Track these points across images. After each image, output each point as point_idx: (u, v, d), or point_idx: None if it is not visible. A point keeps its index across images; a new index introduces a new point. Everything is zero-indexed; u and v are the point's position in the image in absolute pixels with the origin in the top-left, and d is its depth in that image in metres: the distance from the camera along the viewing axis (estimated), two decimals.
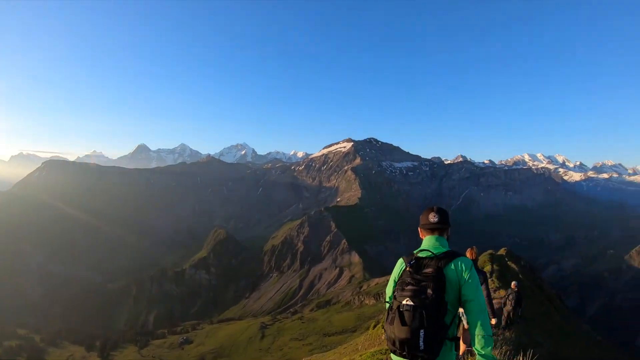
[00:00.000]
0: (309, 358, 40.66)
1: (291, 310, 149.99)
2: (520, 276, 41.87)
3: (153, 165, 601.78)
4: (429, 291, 3.88)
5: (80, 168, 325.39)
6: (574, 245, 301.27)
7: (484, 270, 31.65)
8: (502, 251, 57.41)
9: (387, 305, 4.40)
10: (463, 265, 4.22)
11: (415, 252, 4.48)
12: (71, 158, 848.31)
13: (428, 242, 4.54)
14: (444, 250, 4.37)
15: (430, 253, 4.29)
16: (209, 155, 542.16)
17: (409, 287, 3.96)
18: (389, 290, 4.52)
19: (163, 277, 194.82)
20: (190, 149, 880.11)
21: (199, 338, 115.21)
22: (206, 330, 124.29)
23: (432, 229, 4.59)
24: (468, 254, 11.23)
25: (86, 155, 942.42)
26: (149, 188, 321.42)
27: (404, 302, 3.87)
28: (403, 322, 3.76)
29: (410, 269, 4.15)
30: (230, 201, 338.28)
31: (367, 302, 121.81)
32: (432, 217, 4.56)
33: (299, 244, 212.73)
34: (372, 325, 41.71)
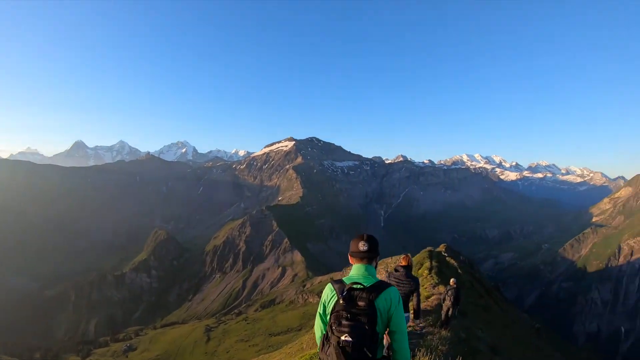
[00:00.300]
0: (256, 359, 43.45)
1: (235, 311, 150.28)
2: (459, 271, 44.84)
3: (90, 163, 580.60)
4: (365, 327, 4.10)
5: (14, 166, 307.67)
6: (510, 240, 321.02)
7: (423, 272, 34.10)
8: (441, 247, 61.96)
9: (319, 333, 4.70)
10: (391, 297, 4.43)
11: (344, 279, 4.68)
12: (4, 155, 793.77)
13: (357, 272, 4.74)
14: (374, 281, 4.56)
15: (361, 285, 4.43)
16: (149, 153, 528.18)
17: (346, 322, 4.11)
18: (320, 319, 4.74)
19: (103, 281, 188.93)
20: (130, 147, 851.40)
21: (143, 344, 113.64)
22: (150, 336, 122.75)
23: (361, 257, 4.78)
24: (403, 261, 12.13)
25: (20, 153, 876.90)
26: (86, 187, 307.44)
27: (342, 337, 4.03)
28: (344, 357, 3.99)
29: (344, 302, 4.29)
30: (170, 201, 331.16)
31: (311, 300, 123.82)
32: (362, 246, 4.73)
33: (241, 244, 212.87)
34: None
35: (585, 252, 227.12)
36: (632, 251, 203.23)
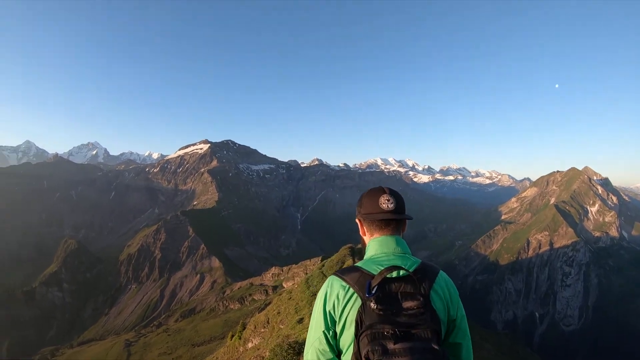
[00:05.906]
0: None
1: (155, 322, 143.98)
2: None
3: None
4: (433, 345, 2.22)
5: None
6: (425, 239, 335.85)
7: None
8: (360, 245, 64.06)
9: None
10: (448, 286, 2.70)
11: (361, 266, 2.72)
12: None
13: (386, 248, 2.85)
14: (416, 261, 2.77)
15: (402, 270, 2.53)
16: (57, 154, 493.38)
17: (402, 345, 2.17)
18: (326, 343, 2.60)
19: (11, 299, 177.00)
20: (37, 147, 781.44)
21: None
22: (67, 356, 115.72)
23: (386, 222, 2.98)
24: None
25: None
26: None
27: None
28: None
29: (381, 306, 2.32)
30: (80, 207, 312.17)
31: (232, 306, 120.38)
32: (386, 203, 2.92)
33: (157, 252, 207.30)
34: (230, 336, 37.45)
35: (497, 246, 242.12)
36: (540, 244, 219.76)
